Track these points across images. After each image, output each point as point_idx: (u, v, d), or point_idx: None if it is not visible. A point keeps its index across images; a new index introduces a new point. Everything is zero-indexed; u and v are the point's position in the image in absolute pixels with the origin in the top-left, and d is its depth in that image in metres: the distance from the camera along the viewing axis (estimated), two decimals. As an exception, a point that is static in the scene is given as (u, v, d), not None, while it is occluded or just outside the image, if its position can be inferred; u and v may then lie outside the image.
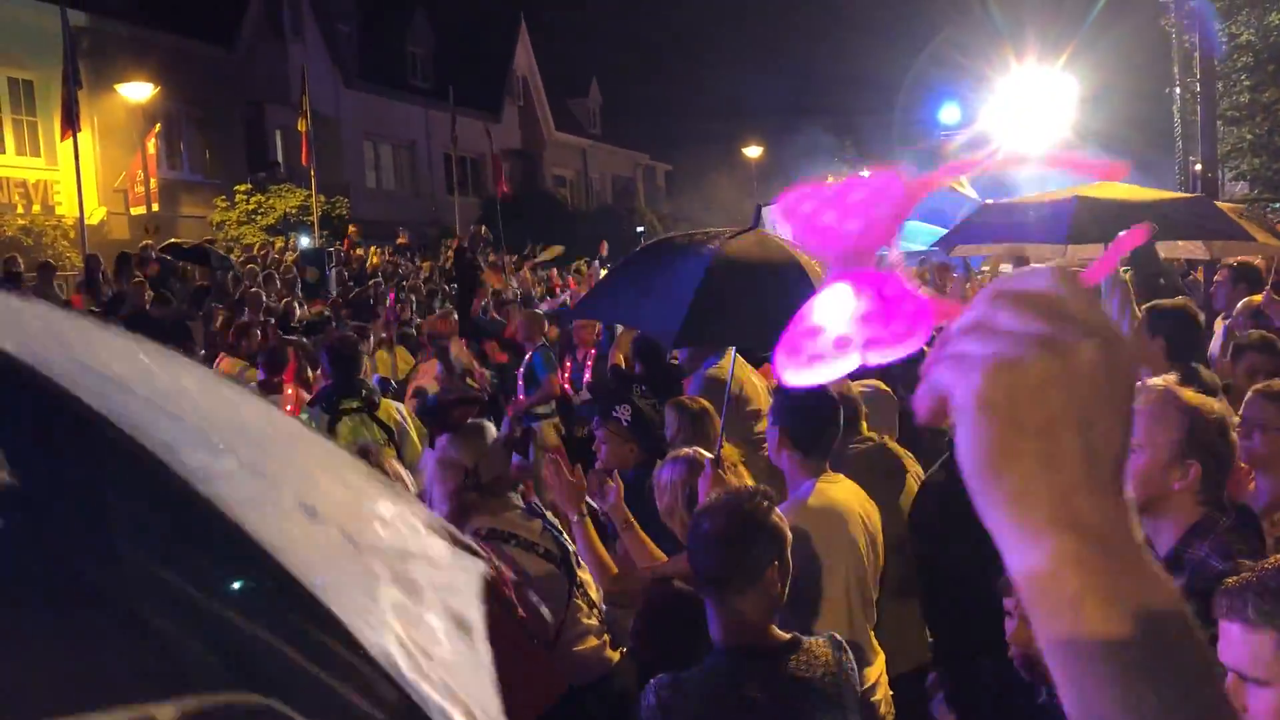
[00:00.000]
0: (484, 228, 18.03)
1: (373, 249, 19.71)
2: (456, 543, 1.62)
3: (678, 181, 48.90)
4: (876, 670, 3.53)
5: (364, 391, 5.77)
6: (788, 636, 2.59)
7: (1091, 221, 5.69)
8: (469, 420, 3.90)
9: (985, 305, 0.74)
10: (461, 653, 1.30)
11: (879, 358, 0.78)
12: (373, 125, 31.65)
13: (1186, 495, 2.56)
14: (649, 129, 46.95)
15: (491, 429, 3.91)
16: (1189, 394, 2.61)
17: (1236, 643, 1.75)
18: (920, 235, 23.97)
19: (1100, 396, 0.71)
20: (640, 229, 28.61)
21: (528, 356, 8.88)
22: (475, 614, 1.45)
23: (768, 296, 4.06)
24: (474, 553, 1.64)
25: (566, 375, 9.58)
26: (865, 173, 0.86)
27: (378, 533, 1.41)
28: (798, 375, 0.81)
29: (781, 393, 4.13)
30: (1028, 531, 0.72)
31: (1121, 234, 0.91)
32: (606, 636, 3.86)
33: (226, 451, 1.19)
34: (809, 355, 0.81)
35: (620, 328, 8.70)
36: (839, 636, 2.68)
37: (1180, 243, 6.66)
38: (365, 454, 3.75)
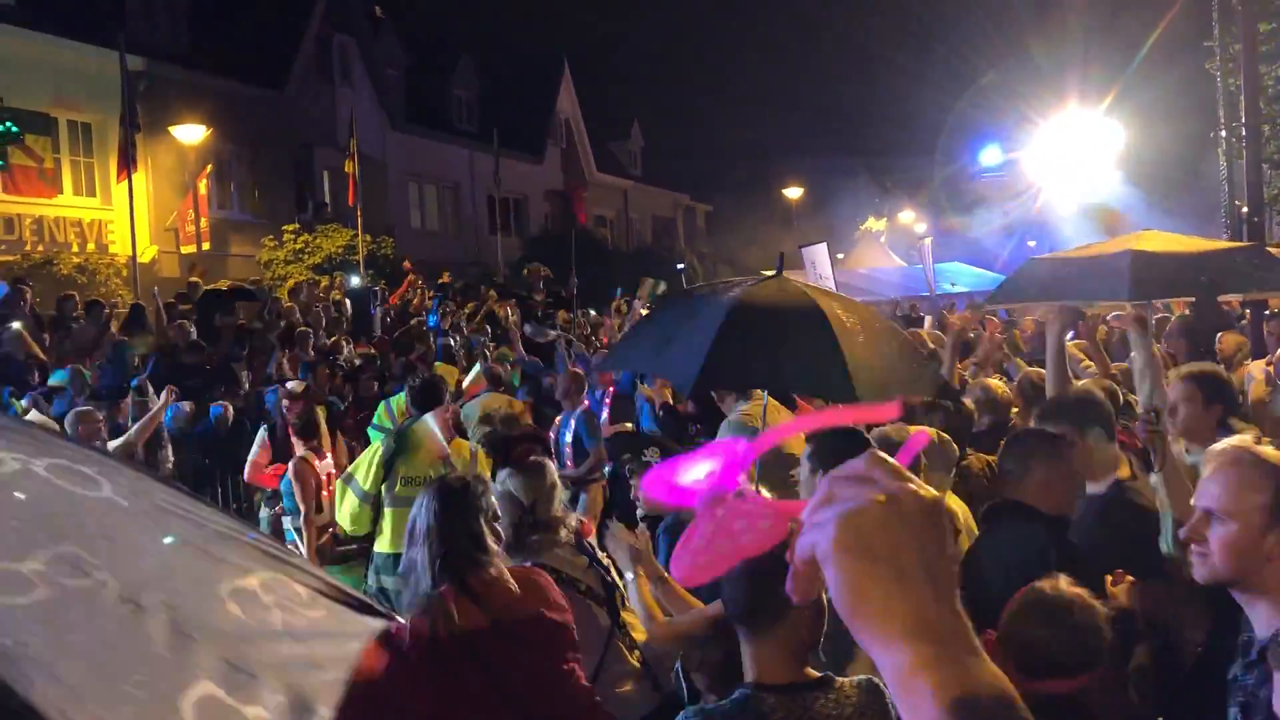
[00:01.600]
0: (541, 266, 18.19)
1: (428, 291, 19.98)
2: (354, 606, 1.66)
3: (718, 222, 49.08)
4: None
5: None
6: (818, 675, 2.59)
7: (1151, 276, 5.54)
8: (531, 458, 3.95)
9: (825, 488, 0.94)
10: None
11: (755, 550, 1.00)
12: (418, 166, 32.13)
13: None
14: (689, 170, 47.26)
15: (552, 468, 3.96)
16: (1270, 451, 2.40)
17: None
18: (962, 277, 23.74)
19: (927, 530, 0.91)
20: (680, 265, 28.73)
21: (571, 420, 8.60)
22: (330, 686, 1.47)
23: (785, 340, 4.12)
24: (373, 613, 1.68)
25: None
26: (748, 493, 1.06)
27: (225, 616, 1.42)
28: (693, 575, 1.03)
29: (819, 437, 4.16)
30: (891, 641, 0.88)
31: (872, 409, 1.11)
32: (647, 681, 3.87)
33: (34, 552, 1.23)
34: (703, 561, 1.02)
35: None
36: (876, 681, 2.68)
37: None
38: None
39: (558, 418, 8.79)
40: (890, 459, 0.95)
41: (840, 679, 2.62)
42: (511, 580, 3.10)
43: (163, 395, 7.60)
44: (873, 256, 30.62)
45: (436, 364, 9.89)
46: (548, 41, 40.31)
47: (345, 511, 5.75)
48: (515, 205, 35.78)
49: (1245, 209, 14.49)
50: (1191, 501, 2.44)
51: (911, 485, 0.92)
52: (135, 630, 1.30)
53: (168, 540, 1.51)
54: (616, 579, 3.91)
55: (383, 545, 5.67)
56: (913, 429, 4.81)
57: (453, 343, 13.70)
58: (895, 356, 4.38)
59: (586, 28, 54.00)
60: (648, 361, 4.81)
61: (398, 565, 5.35)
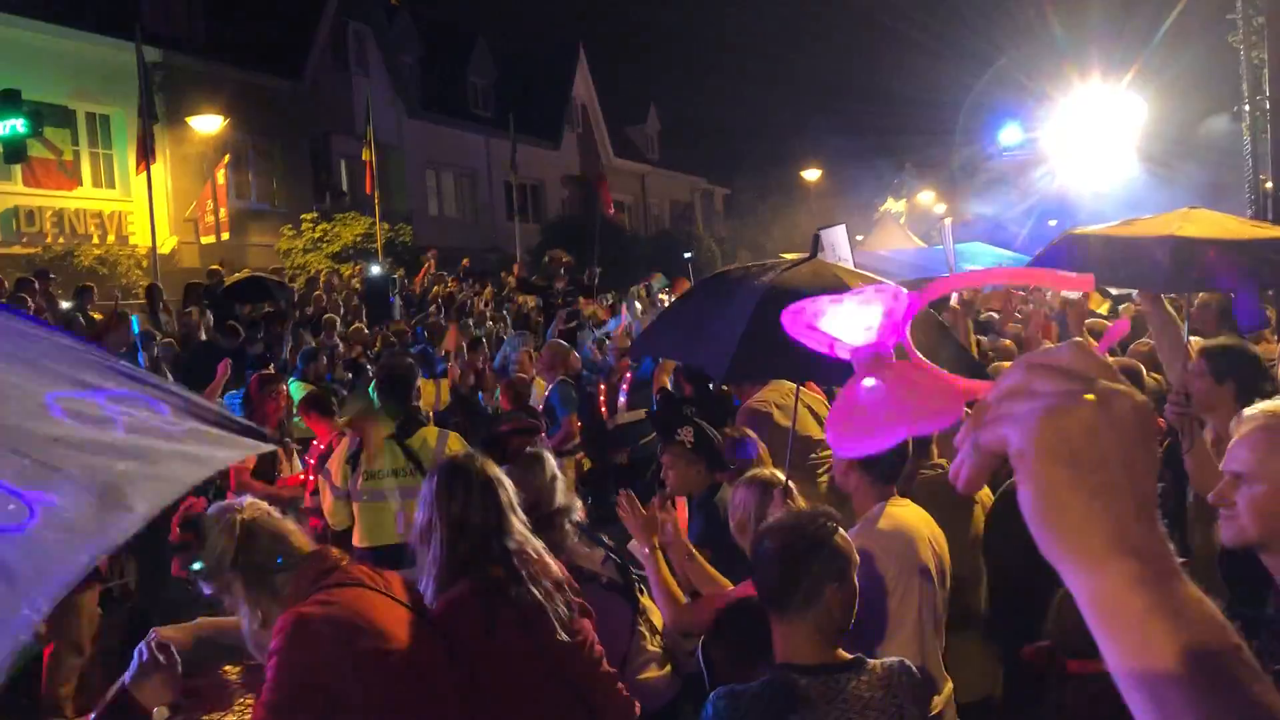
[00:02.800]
0: (562, 253, 18.18)
1: (450, 279, 20.00)
2: (230, 426, 1.72)
3: (736, 205, 48.91)
4: (944, 697, 3.50)
5: (402, 419, 5.76)
6: (850, 657, 2.59)
7: (1189, 268, 5.33)
8: (527, 449, 3.93)
9: (1020, 374, 0.85)
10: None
11: (922, 429, 0.91)
12: (435, 154, 32.14)
13: None
14: (707, 154, 47.07)
15: (549, 459, 3.93)
16: None
17: None
18: (982, 257, 23.63)
19: (1136, 439, 0.82)
20: (687, 254, 28.65)
21: (545, 392, 8.57)
22: (155, 484, 1.50)
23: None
24: (250, 432, 1.74)
25: (602, 400, 9.54)
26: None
27: (42, 419, 1.46)
28: (851, 448, 0.94)
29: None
30: (1091, 559, 0.81)
31: (1068, 275, 0.97)
32: (669, 666, 3.86)
33: None
34: (859, 429, 0.92)
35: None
36: (908, 662, 2.67)
37: None
38: None
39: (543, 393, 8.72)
40: (1097, 352, 0.86)
41: (871, 660, 2.61)
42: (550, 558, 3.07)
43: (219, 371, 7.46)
44: (892, 238, 30.35)
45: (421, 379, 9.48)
46: (563, 26, 40.25)
47: (326, 506, 5.73)
48: (532, 191, 35.77)
49: (1269, 184, 14.32)
50: (1220, 467, 2.42)
51: (1123, 386, 0.83)
52: None
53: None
54: (630, 566, 3.89)
55: (359, 539, 5.61)
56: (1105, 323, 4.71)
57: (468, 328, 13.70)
58: (932, 344, 4.33)
59: (602, 12, 53.86)
60: (680, 348, 4.76)
61: (372, 562, 5.35)
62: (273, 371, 8.54)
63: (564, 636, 2.92)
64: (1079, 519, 0.81)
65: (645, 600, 3.88)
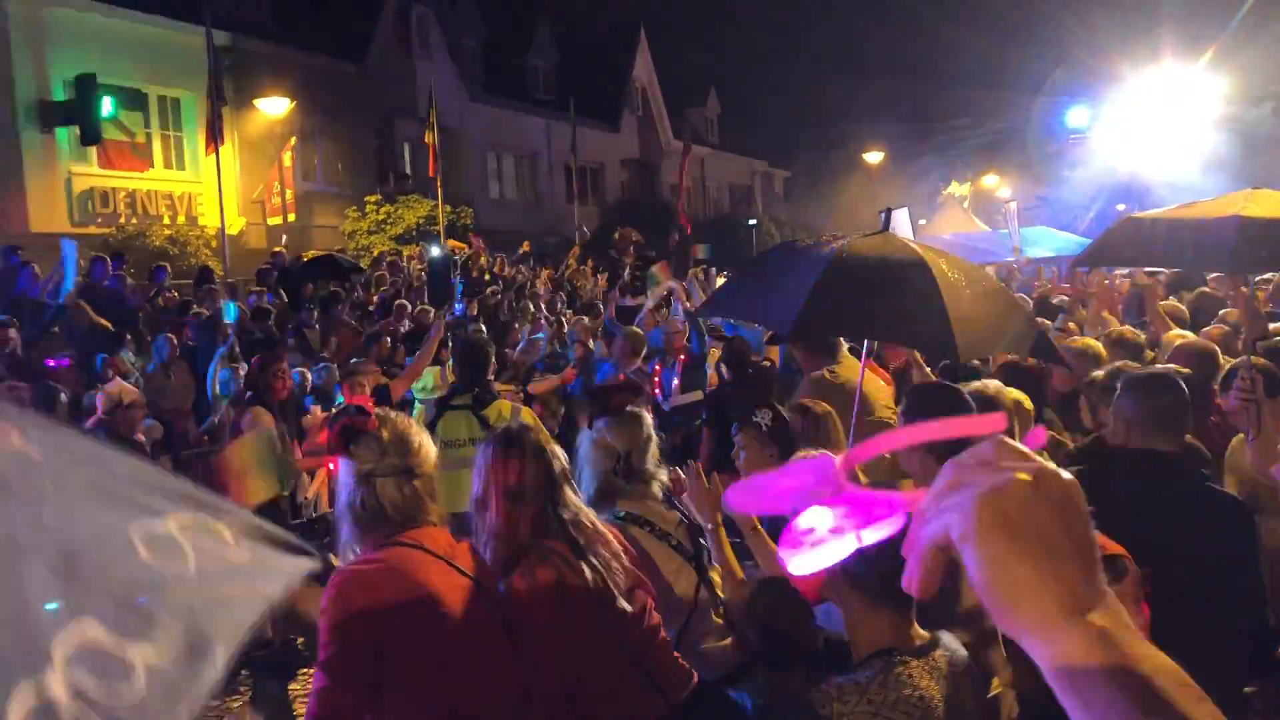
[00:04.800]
0: (632, 231, 18.20)
1: (500, 258, 20.14)
2: (281, 545, 1.64)
3: (796, 188, 48.57)
4: (999, 682, 3.47)
5: (477, 391, 5.97)
6: (928, 635, 2.58)
7: (1255, 246, 5.15)
8: (628, 408, 3.96)
9: (951, 473, 0.90)
10: (164, 682, 1.30)
11: (871, 536, 0.97)
12: (496, 137, 32.32)
13: None
14: (767, 136, 46.82)
15: (648, 419, 3.96)
16: None
17: None
18: (1047, 241, 23.19)
19: (1071, 510, 0.86)
20: (752, 221, 28.35)
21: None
22: (235, 625, 1.45)
23: (888, 288, 4.06)
24: (301, 551, 1.66)
25: (656, 381, 9.55)
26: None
27: (130, 558, 1.40)
28: (803, 564, 0.99)
29: (916, 392, 4.11)
30: (1048, 624, 0.84)
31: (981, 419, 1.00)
32: (729, 639, 3.88)
33: None
34: (810, 545, 0.98)
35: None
36: (954, 638, 2.64)
37: None
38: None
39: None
40: (1018, 444, 0.91)
41: (940, 634, 2.60)
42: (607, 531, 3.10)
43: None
44: (956, 221, 29.95)
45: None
46: (624, 10, 40.03)
47: None
48: (592, 174, 35.83)
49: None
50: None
51: (1049, 466, 0.88)
52: (10, 569, 1.32)
53: (77, 489, 1.51)
54: (702, 539, 3.91)
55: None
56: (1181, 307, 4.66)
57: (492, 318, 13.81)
58: (1000, 315, 4.29)
59: (662, -6, 53.64)
60: (746, 308, 4.78)
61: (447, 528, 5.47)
62: (273, 350, 8.67)
63: (624, 605, 2.95)
64: (1030, 587, 0.84)
65: (713, 573, 3.89)
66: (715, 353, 8.99)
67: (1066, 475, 0.88)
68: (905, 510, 0.95)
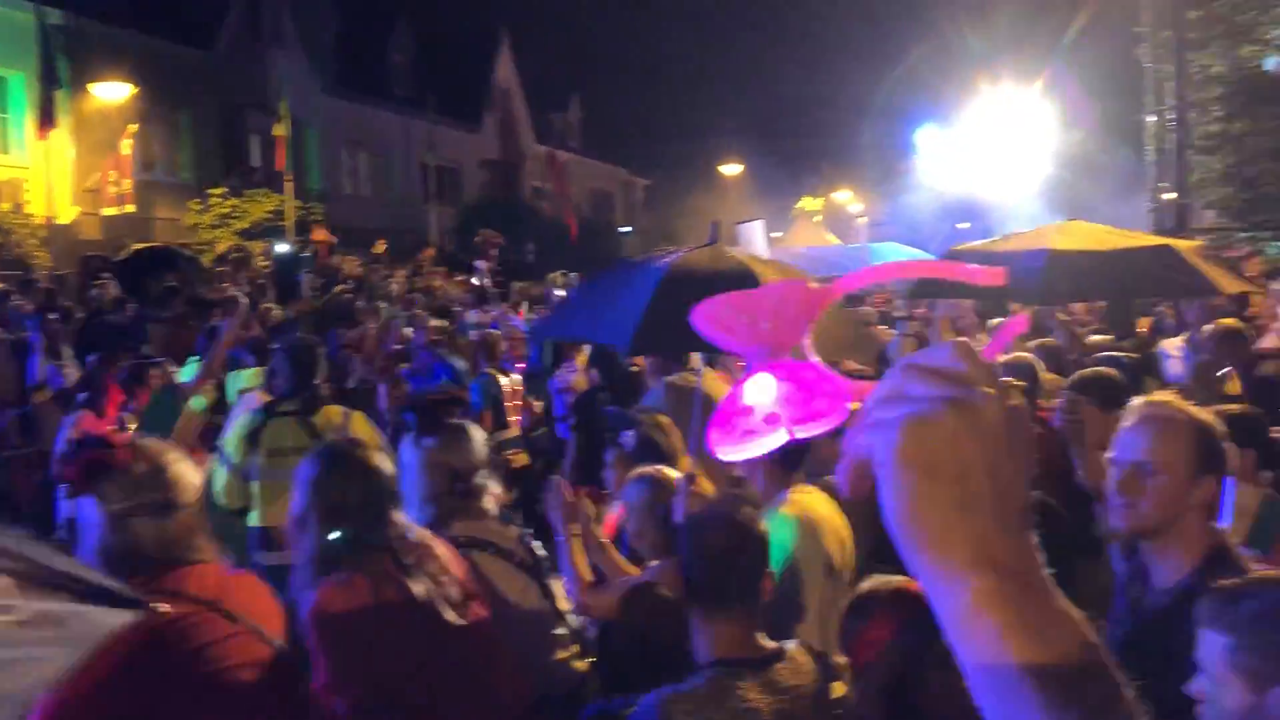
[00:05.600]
0: (493, 234, 17.89)
1: (349, 258, 19.59)
2: (99, 597, 1.42)
3: (656, 196, 49.03)
4: (843, 686, 3.52)
5: (307, 396, 5.62)
6: (773, 646, 2.58)
7: (1061, 279, 5.56)
8: (454, 421, 3.85)
9: (897, 378, 0.82)
10: None
11: (805, 432, 0.89)
12: (351, 132, 31.55)
13: (1198, 515, 2.44)
14: (629, 144, 47.09)
15: (477, 431, 3.86)
16: (1194, 408, 2.53)
17: (1200, 645, 1.82)
18: (893, 256, 24.06)
19: (1002, 446, 0.79)
20: (625, 229, 28.54)
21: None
22: (32, 681, 1.26)
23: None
24: (126, 603, 1.46)
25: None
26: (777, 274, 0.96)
27: None
28: (731, 451, 0.91)
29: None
30: (951, 573, 0.78)
31: (977, 268, 0.96)
32: (576, 648, 3.83)
33: None
34: (741, 432, 0.91)
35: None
36: (811, 644, 2.68)
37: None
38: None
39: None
40: (978, 353, 0.83)
41: (788, 645, 2.60)
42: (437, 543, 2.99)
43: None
44: (809, 235, 30.76)
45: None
46: (487, 10, 39.70)
47: (218, 484, 5.55)
48: (450, 174, 35.33)
49: (1172, 194, 14.83)
50: (1109, 455, 2.49)
51: (994, 391, 0.80)
52: None
53: None
54: (539, 549, 3.85)
55: (253, 519, 5.48)
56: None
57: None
58: (834, 322, 4.38)
59: (527, -3, 53.49)
60: (582, 327, 4.75)
61: (270, 541, 5.21)
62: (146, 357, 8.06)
63: (455, 619, 2.85)
64: (937, 532, 0.78)
65: (554, 584, 3.84)
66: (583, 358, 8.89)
67: (1010, 403, 0.81)
68: (848, 403, 0.88)
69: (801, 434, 0.89)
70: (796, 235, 30.96)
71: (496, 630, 3.06)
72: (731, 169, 44.18)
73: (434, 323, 10.90)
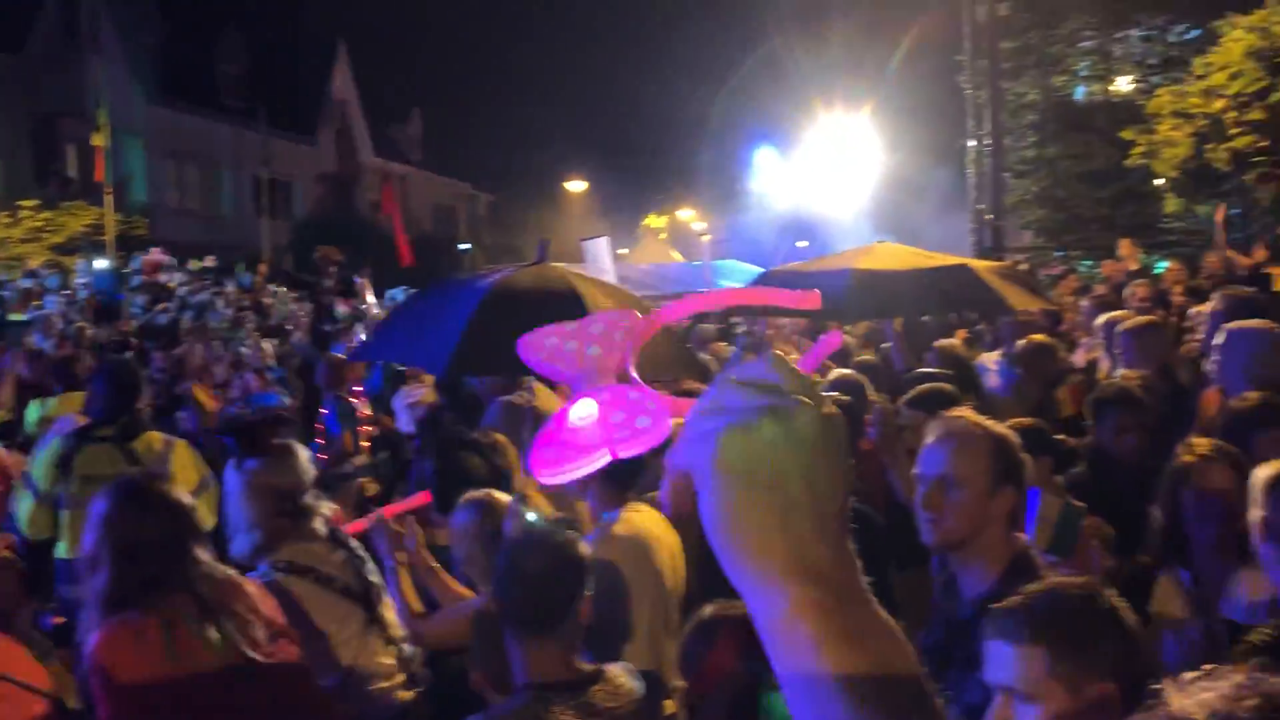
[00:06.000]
0: (333, 250, 17.37)
1: (175, 275, 18.71)
2: None
3: (501, 212, 48.77)
4: (674, 704, 3.52)
5: (125, 421, 5.36)
6: (591, 668, 2.57)
7: (863, 298, 5.87)
8: (278, 441, 3.69)
9: (715, 391, 0.83)
10: None
11: (626, 451, 0.90)
12: (177, 143, 30.25)
13: (1000, 526, 2.49)
14: (473, 159, 46.66)
15: (303, 450, 3.71)
16: (990, 421, 2.60)
17: (1008, 662, 1.81)
18: (738, 274, 24.67)
19: (820, 454, 0.80)
20: (464, 246, 28.21)
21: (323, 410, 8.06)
22: None
23: (543, 323, 4.07)
24: None
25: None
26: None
27: None
28: (552, 474, 0.92)
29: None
30: (768, 581, 0.79)
31: (793, 294, 1.00)
32: (401, 677, 3.72)
33: None
34: (562, 454, 0.91)
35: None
36: (632, 666, 2.67)
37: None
38: None
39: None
40: (793, 364, 0.84)
41: (607, 667, 2.59)
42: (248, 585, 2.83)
43: None
44: (654, 252, 31.17)
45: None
46: (323, 21, 38.71)
47: (22, 513, 5.19)
48: (284, 187, 34.23)
49: (990, 215, 15.65)
50: (914, 470, 2.55)
51: (810, 399, 0.81)
52: None
53: None
54: (374, 575, 3.73)
55: (61, 551, 5.15)
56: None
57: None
58: (658, 341, 4.40)
59: (365, 7, 52.41)
60: (400, 350, 4.63)
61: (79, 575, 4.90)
62: None
63: (259, 657, 2.70)
64: (755, 541, 0.79)
65: (384, 610, 3.72)
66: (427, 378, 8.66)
67: (829, 410, 0.82)
68: (669, 420, 0.88)
69: (624, 453, 0.90)
70: (642, 252, 31.32)
71: (307, 666, 2.92)
72: (577, 185, 44.36)
73: (266, 343, 10.50)
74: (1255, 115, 10.80)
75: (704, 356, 7.94)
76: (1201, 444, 3.30)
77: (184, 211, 30.47)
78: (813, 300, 0.97)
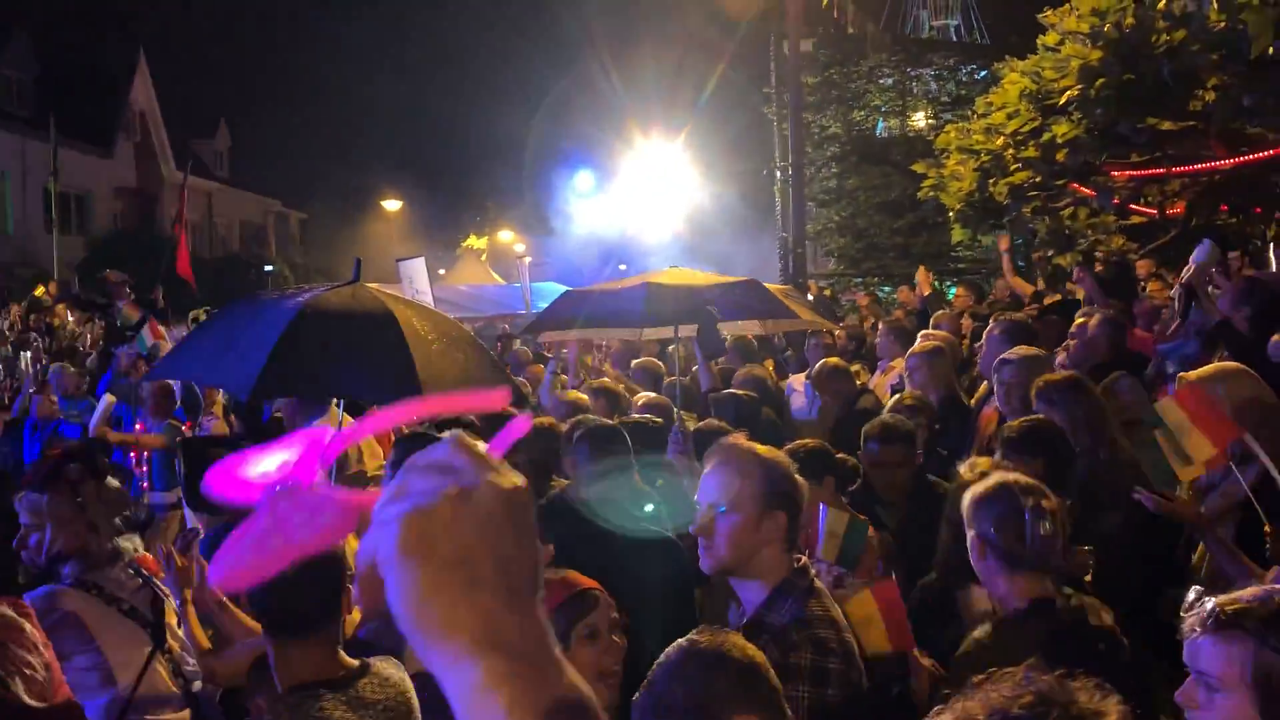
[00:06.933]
0: (117, 274, 16.36)
1: None
2: None
3: (314, 231, 47.37)
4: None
5: None
6: (355, 663, 2.57)
7: (661, 306, 6.28)
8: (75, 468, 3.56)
9: (400, 478, 0.85)
10: None
11: (310, 550, 0.90)
12: (-45, 151, 28.06)
13: (775, 548, 2.56)
14: (282, 175, 45.25)
15: (113, 482, 3.63)
16: (758, 446, 2.68)
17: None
18: (554, 295, 24.70)
19: (504, 529, 0.83)
20: (269, 268, 27.18)
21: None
22: None
23: (355, 346, 4.06)
24: None
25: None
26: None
27: None
28: (237, 583, 0.92)
29: (401, 444, 4.13)
30: (459, 655, 0.80)
31: (485, 396, 1.02)
32: (187, 712, 3.63)
33: None
34: (250, 562, 0.90)
35: None
36: (398, 662, 2.67)
37: (739, 322, 7.46)
38: None
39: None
40: (477, 444, 0.86)
41: (373, 661, 2.59)
42: None
43: None
44: (473, 273, 30.94)
45: None
46: (122, 29, 36.77)
47: None
48: (77, 201, 32.21)
49: (789, 237, 16.30)
50: (696, 498, 2.66)
51: (492, 475, 0.83)
52: None
53: None
54: (167, 608, 3.63)
55: None
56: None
57: None
58: (472, 366, 4.42)
59: (168, 16, 50.08)
60: (203, 369, 4.48)
61: None
62: None
63: (35, 703, 2.59)
64: (442, 618, 0.81)
65: (173, 642, 3.61)
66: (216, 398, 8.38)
67: (510, 483, 0.84)
68: (356, 513, 0.89)
69: (308, 552, 0.91)
70: (462, 273, 31.03)
71: (79, 708, 2.80)
72: (393, 204, 43.57)
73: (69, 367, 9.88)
74: (1029, 153, 11.66)
75: (520, 380, 8.01)
76: (982, 463, 3.57)
77: (-38, 225, 28.31)
78: (500, 401, 0.99)
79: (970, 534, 2.83)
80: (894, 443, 4.38)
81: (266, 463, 0.95)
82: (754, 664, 2.03)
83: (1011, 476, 2.90)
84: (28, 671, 2.57)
